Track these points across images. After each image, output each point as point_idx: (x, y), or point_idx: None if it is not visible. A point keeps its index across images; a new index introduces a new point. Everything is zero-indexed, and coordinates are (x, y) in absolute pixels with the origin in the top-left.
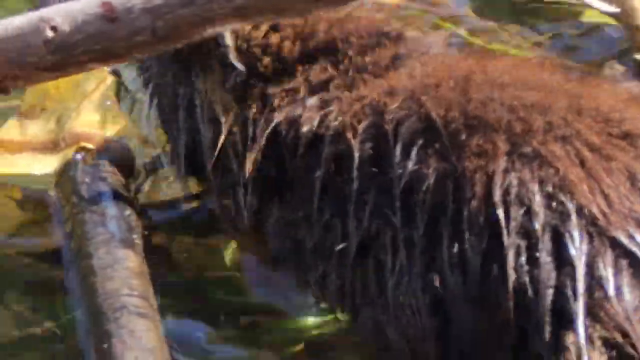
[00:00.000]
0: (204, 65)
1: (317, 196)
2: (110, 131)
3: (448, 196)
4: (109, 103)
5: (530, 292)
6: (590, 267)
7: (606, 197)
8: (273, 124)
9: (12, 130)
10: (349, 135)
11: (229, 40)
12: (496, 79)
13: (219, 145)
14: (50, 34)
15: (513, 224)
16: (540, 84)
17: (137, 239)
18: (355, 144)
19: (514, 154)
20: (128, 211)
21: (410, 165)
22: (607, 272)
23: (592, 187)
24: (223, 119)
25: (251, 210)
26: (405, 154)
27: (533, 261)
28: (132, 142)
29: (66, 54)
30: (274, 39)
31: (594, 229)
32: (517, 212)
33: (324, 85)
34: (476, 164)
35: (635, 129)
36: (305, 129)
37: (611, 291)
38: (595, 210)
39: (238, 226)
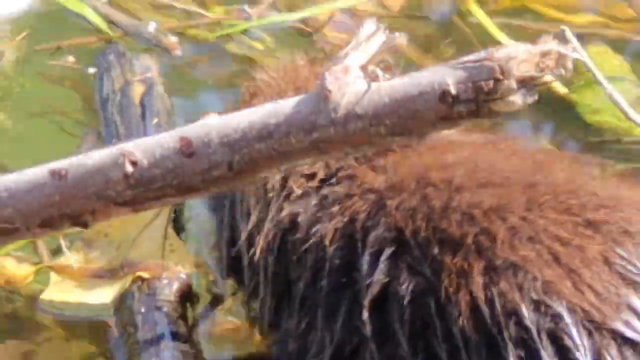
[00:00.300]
0: None
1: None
2: (168, 260)
3: (432, 313)
4: (167, 232)
5: None
6: None
7: (592, 288)
8: (277, 219)
9: (74, 256)
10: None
11: None
12: (452, 179)
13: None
14: (130, 168)
15: (508, 336)
16: (495, 176)
17: None
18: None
19: (489, 269)
20: (182, 341)
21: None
22: None
23: (575, 282)
24: (253, 211)
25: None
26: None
27: None
28: (189, 270)
29: (145, 189)
30: None
31: (591, 325)
32: (509, 324)
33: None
34: (455, 281)
35: (596, 215)
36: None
37: None
38: (586, 305)
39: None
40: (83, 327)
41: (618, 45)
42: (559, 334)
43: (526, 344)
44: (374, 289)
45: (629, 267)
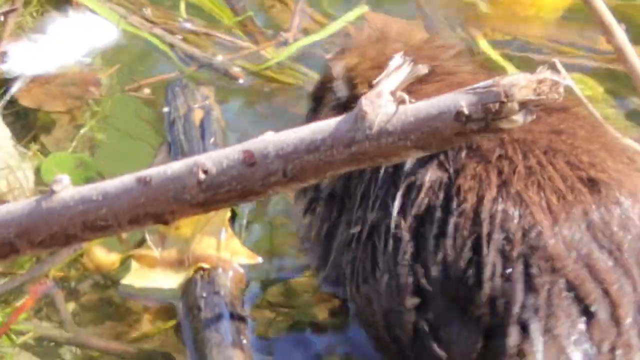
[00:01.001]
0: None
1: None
2: (225, 252)
3: (439, 202)
4: (223, 229)
5: (500, 303)
6: (549, 294)
7: (564, 239)
8: None
9: (150, 247)
10: None
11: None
12: None
13: None
14: (202, 176)
15: (493, 245)
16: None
17: (245, 340)
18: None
19: (502, 190)
20: (237, 318)
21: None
22: (562, 300)
23: (555, 230)
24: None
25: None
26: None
27: (505, 279)
28: (240, 260)
29: (214, 193)
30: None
31: (550, 266)
32: (498, 236)
33: None
34: (470, 184)
35: (600, 175)
36: None
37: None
38: (555, 250)
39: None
40: (163, 308)
41: (598, 73)
42: (530, 262)
43: (505, 256)
44: (409, 179)
45: (603, 232)
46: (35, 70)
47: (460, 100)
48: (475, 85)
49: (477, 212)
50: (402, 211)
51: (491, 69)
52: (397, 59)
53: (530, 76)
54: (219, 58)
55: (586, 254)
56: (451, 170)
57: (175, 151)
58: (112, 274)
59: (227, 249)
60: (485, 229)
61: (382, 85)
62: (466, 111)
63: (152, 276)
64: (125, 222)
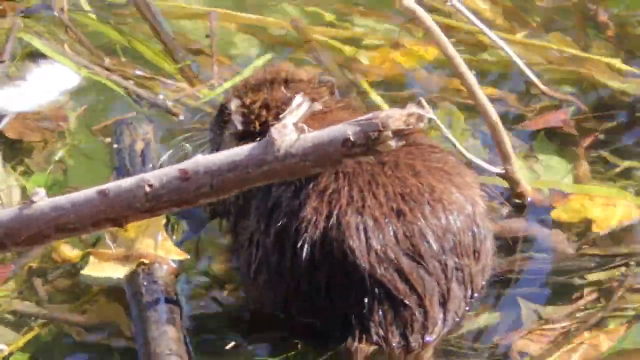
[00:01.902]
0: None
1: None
2: (160, 251)
3: (291, 225)
4: (160, 232)
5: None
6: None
7: (376, 253)
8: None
9: (104, 246)
10: None
11: (233, 107)
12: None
13: None
14: (148, 189)
15: (323, 265)
16: None
17: (177, 318)
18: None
19: (328, 219)
20: (171, 302)
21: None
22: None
23: (368, 247)
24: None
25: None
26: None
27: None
28: (174, 257)
29: (156, 202)
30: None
31: (364, 275)
32: (323, 257)
33: None
34: (309, 214)
35: (408, 205)
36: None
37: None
38: (366, 263)
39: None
40: (115, 292)
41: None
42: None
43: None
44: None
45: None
46: (17, 109)
47: (348, 130)
48: (359, 118)
49: (312, 238)
50: (267, 228)
51: (367, 104)
52: (299, 98)
53: (401, 110)
54: (161, 96)
55: (395, 262)
56: (300, 200)
57: (122, 174)
58: (75, 266)
59: (162, 248)
60: (316, 252)
61: (287, 118)
62: (352, 138)
63: (106, 268)
64: (89, 225)
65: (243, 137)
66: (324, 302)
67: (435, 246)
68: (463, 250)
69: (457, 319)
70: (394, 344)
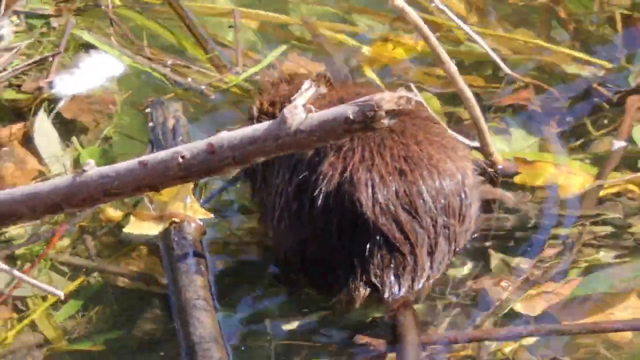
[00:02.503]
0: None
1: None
2: (189, 212)
3: (311, 178)
4: (188, 196)
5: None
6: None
7: (380, 205)
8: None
9: (143, 208)
10: None
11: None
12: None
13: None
14: (180, 160)
15: (335, 213)
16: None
17: (203, 269)
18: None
19: (344, 173)
20: (198, 254)
21: None
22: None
23: (374, 200)
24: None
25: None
26: None
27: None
28: (199, 216)
29: (188, 171)
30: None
31: (369, 223)
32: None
33: None
34: (326, 169)
35: (409, 166)
36: None
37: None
38: (372, 214)
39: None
40: (151, 247)
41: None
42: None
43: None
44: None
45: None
46: (71, 93)
47: (348, 110)
48: (358, 100)
49: (327, 189)
50: (290, 179)
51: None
52: (307, 83)
53: (393, 94)
54: (190, 80)
55: (395, 214)
56: (319, 156)
57: (156, 148)
58: (118, 225)
59: (190, 210)
60: (330, 201)
61: (297, 100)
62: (352, 117)
63: (143, 226)
64: (130, 190)
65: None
66: (334, 245)
67: (428, 204)
68: (451, 212)
69: (441, 269)
70: (388, 285)
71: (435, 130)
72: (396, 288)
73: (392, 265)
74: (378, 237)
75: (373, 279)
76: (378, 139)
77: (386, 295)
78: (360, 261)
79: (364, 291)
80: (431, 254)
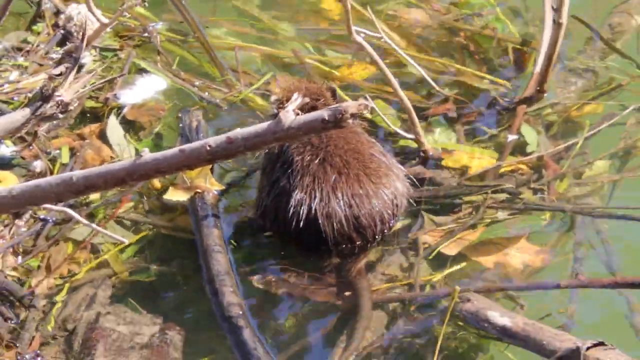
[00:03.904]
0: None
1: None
2: (208, 184)
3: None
4: (208, 173)
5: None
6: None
7: (336, 229)
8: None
9: (179, 180)
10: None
11: (272, 99)
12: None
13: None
14: (208, 148)
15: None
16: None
17: (219, 224)
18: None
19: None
20: (215, 215)
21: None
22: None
23: (331, 227)
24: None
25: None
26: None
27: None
28: (216, 188)
29: (213, 156)
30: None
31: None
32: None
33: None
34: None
35: (355, 201)
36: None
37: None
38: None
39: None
40: (184, 208)
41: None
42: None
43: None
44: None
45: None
46: (132, 102)
47: (324, 113)
48: (331, 106)
49: (298, 217)
50: (269, 193)
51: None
52: (296, 95)
53: (356, 102)
54: (206, 94)
55: (348, 234)
56: (291, 184)
57: (184, 140)
58: (162, 192)
59: (209, 183)
60: (299, 221)
61: (289, 107)
62: (327, 118)
63: (178, 194)
64: (174, 169)
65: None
66: (303, 245)
67: (370, 223)
68: (386, 219)
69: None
70: (345, 269)
71: (373, 164)
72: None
73: (348, 254)
74: (336, 246)
75: (336, 260)
76: (331, 183)
77: (347, 273)
78: (324, 248)
79: (331, 264)
80: (370, 244)
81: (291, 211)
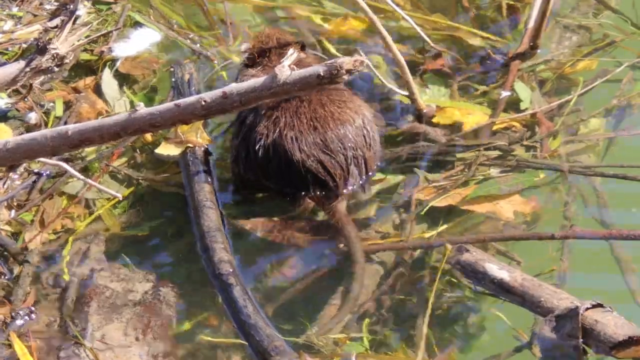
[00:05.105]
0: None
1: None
2: (199, 139)
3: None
4: (200, 128)
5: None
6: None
7: (304, 150)
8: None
9: (172, 134)
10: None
11: (243, 48)
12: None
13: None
14: (203, 103)
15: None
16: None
17: (210, 179)
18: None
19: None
20: (206, 168)
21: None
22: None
23: (297, 147)
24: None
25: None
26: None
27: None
28: (206, 143)
29: (208, 111)
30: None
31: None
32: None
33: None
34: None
35: (319, 123)
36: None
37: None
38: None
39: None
40: (175, 162)
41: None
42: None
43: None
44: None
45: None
46: (125, 54)
47: (319, 69)
48: (327, 62)
49: (265, 143)
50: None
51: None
52: (291, 50)
53: (350, 57)
54: (198, 45)
55: (316, 156)
56: (257, 120)
57: (176, 93)
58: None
59: (201, 138)
60: (267, 153)
61: (284, 62)
62: (322, 74)
63: (169, 148)
64: (168, 124)
65: (247, 66)
66: (277, 183)
67: (337, 145)
68: (359, 144)
69: (356, 186)
70: (322, 200)
71: (335, 93)
72: (327, 202)
73: (321, 188)
74: (307, 175)
75: (313, 197)
76: (294, 108)
77: (325, 209)
78: (300, 187)
79: (309, 203)
80: (345, 179)
81: (257, 140)
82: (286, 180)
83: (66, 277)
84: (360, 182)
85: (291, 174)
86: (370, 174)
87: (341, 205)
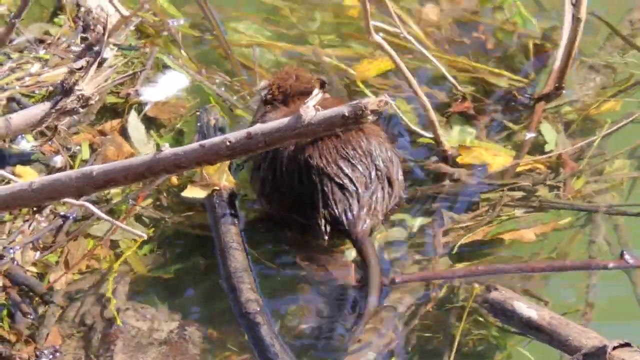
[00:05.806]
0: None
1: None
2: (225, 182)
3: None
4: (225, 170)
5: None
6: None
7: (325, 156)
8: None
9: (197, 177)
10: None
11: (261, 86)
12: None
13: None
14: (227, 143)
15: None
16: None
17: (237, 222)
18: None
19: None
20: (233, 211)
21: None
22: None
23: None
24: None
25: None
26: None
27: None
28: (231, 186)
29: (232, 151)
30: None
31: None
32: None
33: None
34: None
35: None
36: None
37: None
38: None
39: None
40: (201, 205)
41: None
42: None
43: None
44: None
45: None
46: (154, 99)
47: (344, 109)
48: (352, 102)
49: (287, 156)
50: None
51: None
52: (316, 90)
53: (375, 98)
54: (223, 89)
55: (336, 163)
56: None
57: (201, 138)
58: (179, 189)
59: (226, 181)
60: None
61: (309, 102)
62: (347, 114)
63: (196, 191)
64: (193, 164)
65: (266, 104)
66: (300, 194)
67: (359, 154)
68: (380, 159)
69: (381, 206)
70: (343, 219)
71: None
72: (350, 215)
73: (342, 200)
74: (328, 182)
75: (333, 212)
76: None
77: (345, 224)
78: (320, 199)
79: (327, 225)
80: (368, 190)
81: (284, 157)
82: (308, 194)
83: (91, 317)
84: (383, 199)
85: (312, 185)
86: (393, 196)
87: (365, 231)
